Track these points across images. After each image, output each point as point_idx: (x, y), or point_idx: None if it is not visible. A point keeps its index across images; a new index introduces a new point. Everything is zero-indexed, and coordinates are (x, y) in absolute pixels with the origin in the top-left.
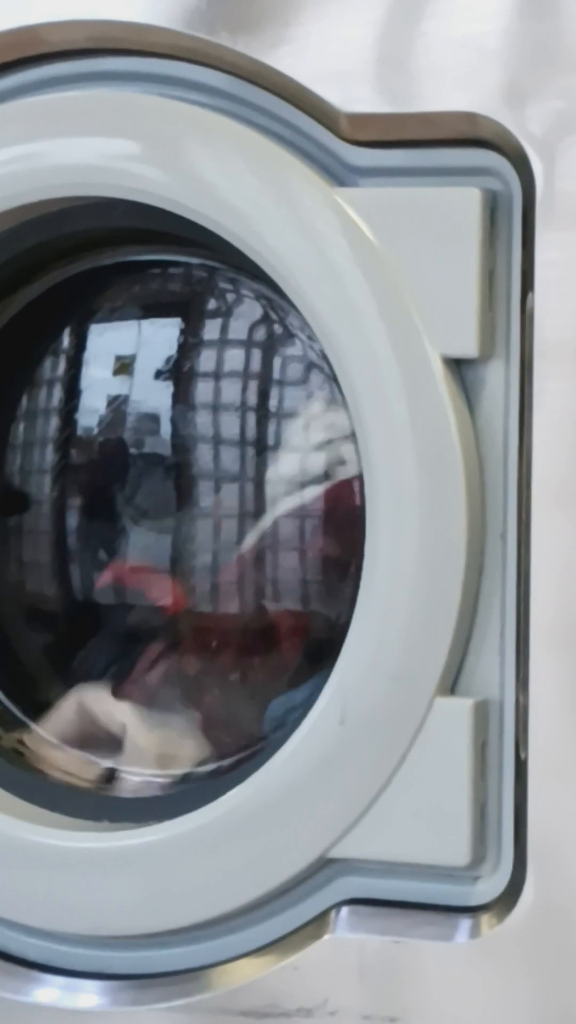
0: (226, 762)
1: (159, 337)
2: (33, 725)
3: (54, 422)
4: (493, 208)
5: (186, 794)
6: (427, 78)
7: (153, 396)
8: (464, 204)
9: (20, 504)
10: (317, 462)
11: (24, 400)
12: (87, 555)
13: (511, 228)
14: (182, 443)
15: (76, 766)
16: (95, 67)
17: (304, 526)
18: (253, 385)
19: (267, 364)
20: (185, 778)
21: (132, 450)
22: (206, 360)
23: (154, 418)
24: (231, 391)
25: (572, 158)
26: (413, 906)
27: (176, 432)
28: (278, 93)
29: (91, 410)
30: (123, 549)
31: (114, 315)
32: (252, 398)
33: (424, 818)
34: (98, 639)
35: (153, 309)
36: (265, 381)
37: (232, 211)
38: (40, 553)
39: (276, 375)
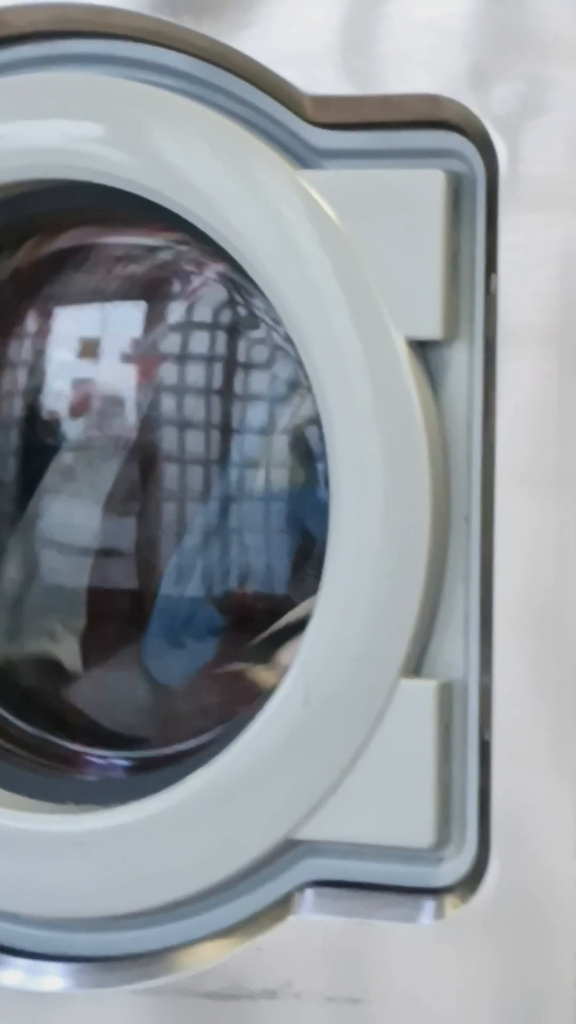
0: (190, 744)
1: (124, 319)
2: None
3: (18, 404)
4: (457, 190)
5: (150, 776)
6: (391, 60)
7: (118, 379)
8: (428, 186)
9: None
10: (281, 443)
11: None
12: (52, 538)
13: (475, 210)
14: (147, 426)
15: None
16: (59, 50)
17: (269, 509)
18: (218, 368)
19: (232, 347)
20: (149, 761)
21: (96, 432)
22: (171, 343)
23: (118, 401)
24: (196, 374)
25: (536, 140)
26: (377, 888)
27: (141, 415)
28: (242, 75)
29: (56, 393)
30: (88, 532)
31: (78, 298)
32: (217, 381)
33: (388, 800)
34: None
35: (118, 292)
36: (230, 364)
37: (196, 193)
38: (3, 535)
39: (241, 358)
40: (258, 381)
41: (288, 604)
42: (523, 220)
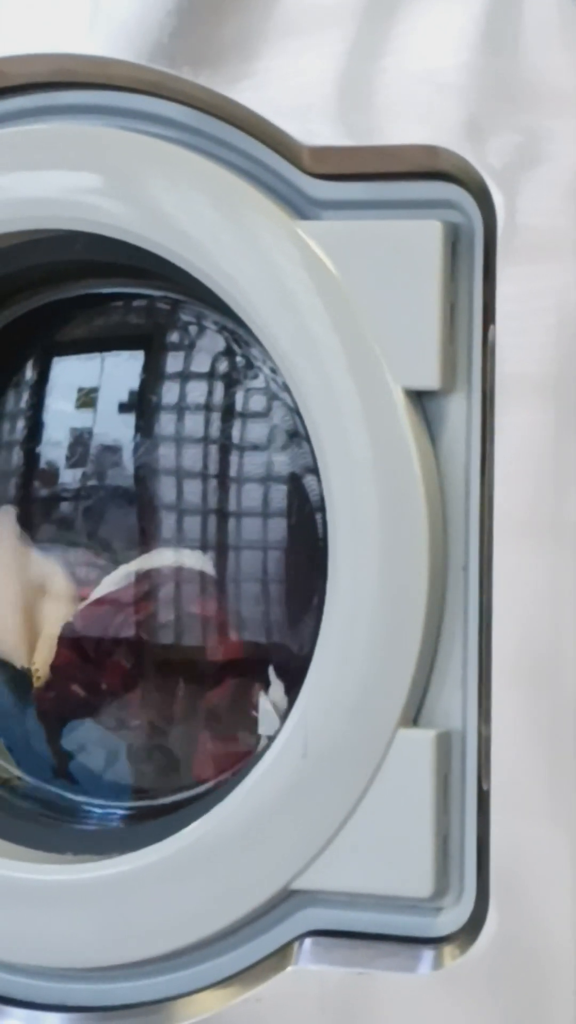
0: (189, 794)
1: (122, 370)
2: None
3: (17, 455)
4: (455, 241)
5: (149, 826)
6: (388, 112)
7: (116, 429)
8: (426, 237)
9: None
10: (279, 493)
11: None
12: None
13: (472, 261)
14: (145, 476)
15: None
16: (56, 100)
17: (266, 558)
18: (216, 417)
19: (230, 396)
20: (147, 810)
21: (94, 482)
22: (169, 392)
23: (116, 450)
24: (194, 423)
25: (533, 191)
26: (376, 937)
27: (139, 464)
28: (240, 126)
29: (54, 443)
30: (86, 581)
31: (77, 348)
32: (215, 430)
33: (387, 850)
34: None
35: (116, 342)
36: (228, 413)
37: (194, 244)
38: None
39: (239, 407)
40: (255, 430)
41: (285, 653)
42: (520, 271)
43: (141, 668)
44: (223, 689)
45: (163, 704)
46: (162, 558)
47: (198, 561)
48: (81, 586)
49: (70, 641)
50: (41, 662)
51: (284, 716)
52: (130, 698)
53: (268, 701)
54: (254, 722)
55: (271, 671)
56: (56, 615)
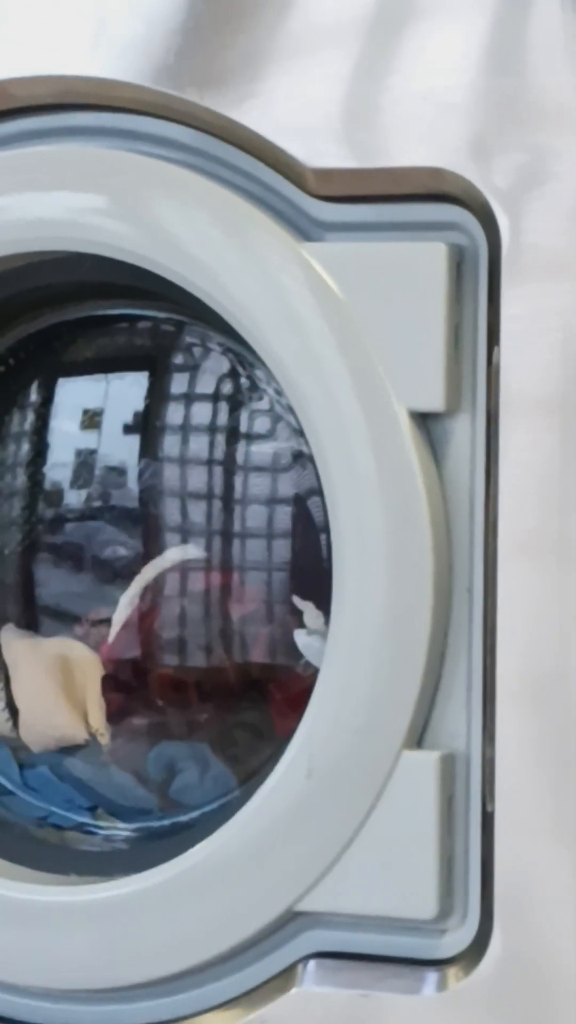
0: (193, 815)
1: (127, 391)
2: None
3: (21, 476)
4: (459, 262)
5: (153, 847)
6: (393, 133)
7: (121, 450)
8: (430, 259)
9: None
10: (283, 514)
11: None
12: (55, 608)
13: (477, 282)
14: (149, 497)
15: None
16: (62, 122)
17: (271, 579)
18: (220, 439)
19: (235, 418)
20: (152, 832)
21: (99, 504)
22: (174, 414)
23: (121, 472)
24: (199, 445)
25: (537, 212)
26: (380, 959)
27: (143, 486)
28: (244, 148)
29: (59, 464)
30: (91, 603)
31: (82, 369)
32: (220, 452)
33: (391, 871)
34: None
35: (121, 363)
36: (233, 435)
37: (198, 265)
38: (8, 606)
39: (244, 429)
40: (260, 452)
41: (289, 674)
42: (525, 291)
43: (184, 667)
44: (262, 641)
45: (221, 686)
46: (153, 568)
47: (190, 551)
48: (91, 614)
49: (113, 685)
50: (97, 722)
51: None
52: (189, 698)
53: (304, 634)
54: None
55: (295, 600)
56: (90, 676)
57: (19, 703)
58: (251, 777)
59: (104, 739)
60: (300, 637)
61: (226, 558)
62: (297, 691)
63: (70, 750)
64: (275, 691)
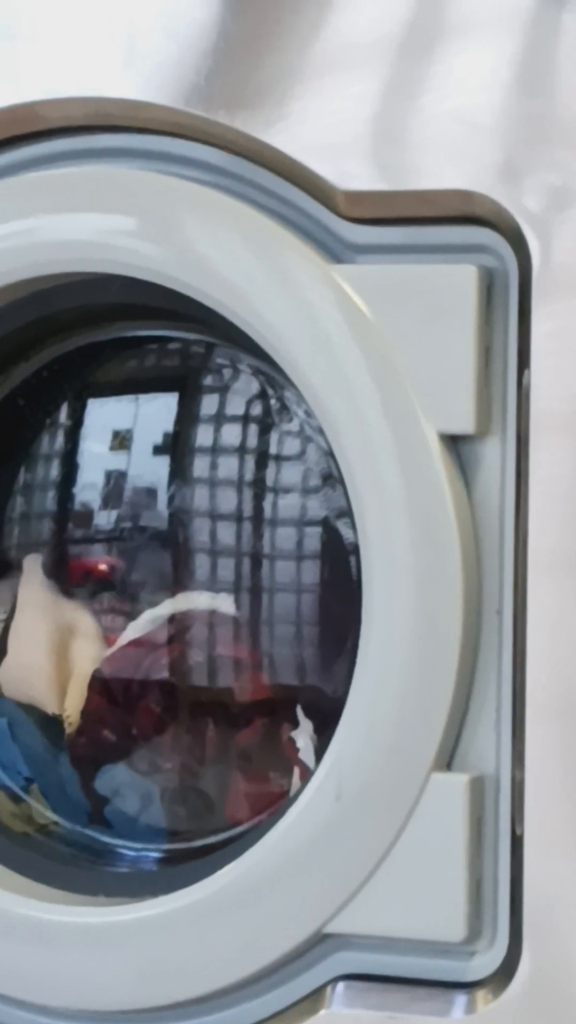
0: (221, 836)
1: (156, 412)
2: (30, 800)
3: (51, 497)
4: (489, 285)
5: (182, 869)
6: (423, 154)
7: (150, 471)
8: (460, 281)
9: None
10: (313, 536)
11: (21, 474)
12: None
13: (507, 305)
14: (179, 518)
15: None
16: (92, 144)
17: (300, 601)
18: (250, 460)
19: (264, 439)
20: (180, 853)
21: (129, 525)
22: (203, 435)
23: (151, 493)
24: (228, 466)
25: (567, 234)
26: (409, 982)
27: (173, 507)
28: (275, 170)
29: (88, 485)
30: (120, 622)
31: (111, 390)
32: (249, 473)
33: (420, 893)
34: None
35: (150, 384)
36: (262, 456)
37: (229, 287)
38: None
39: (273, 450)
40: (290, 473)
41: (319, 696)
42: (555, 313)
43: (172, 711)
44: (253, 729)
45: (194, 746)
46: (189, 601)
47: (225, 604)
48: (108, 632)
49: (100, 686)
50: (72, 708)
51: (317, 754)
52: (162, 741)
53: (307, 736)
54: (286, 762)
55: (299, 711)
56: (85, 659)
57: (10, 644)
58: (179, 840)
59: (70, 728)
60: (300, 737)
61: (253, 620)
62: (260, 790)
63: (35, 715)
64: (241, 780)
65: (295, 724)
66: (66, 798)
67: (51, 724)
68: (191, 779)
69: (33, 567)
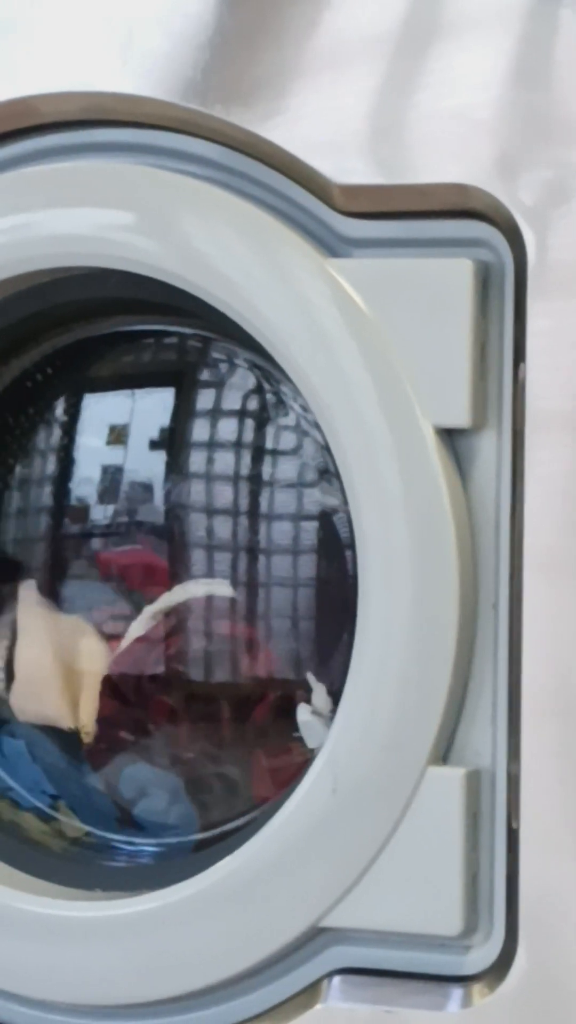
0: (217, 831)
1: (153, 407)
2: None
3: (48, 491)
4: (485, 279)
5: (178, 863)
6: (419, 149)
7: (146, 466)
8: (456, 275)
9: (13, 573)
10: (309, 530)
11: (17, 469)
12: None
13: (503, 299)
14: (175, 513)
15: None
16: (89, 138)
17: (296, 596)
18: (246, 454)
19: (261, 434)
20: (176, 847)
21: (124, 519)
22: (200, 430)
23: (147, 487)
24: (225, 461)
25: (564, 229)
26: (405, 975)
27: (169, 502)
28: (271, 164)
29: (84, 479)
30: (121, 626)
31: (108, 385)
32: (245, 468)
33: (416, 887)
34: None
35: (147, 379)
36: (259, 451)
37: (225, 281)
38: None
39: (270, 444)
40: (286, 468)
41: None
42: (551, 308)
43: (185, 701)
44: (267, 704)
45: (212, 732)
46: (186, 591)
47: (222, 588)
48: (111, 636)
49: (111, 689)
50: (87, 718)
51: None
52: (179, 732)
53: (307, 711)
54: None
55: (310, 676)
56: (93, 669)
57: (17, 669)
58: (211, 827)
59: (88, 738)
60: (302, 713)
61: (252, 604)
62: (283, 763)
63: (52, 733)
64: (262, 756)
65: (307, 691)
66: (94, 807)
67: (69, 739)
68: (213, 765)
69: (28, 592)
